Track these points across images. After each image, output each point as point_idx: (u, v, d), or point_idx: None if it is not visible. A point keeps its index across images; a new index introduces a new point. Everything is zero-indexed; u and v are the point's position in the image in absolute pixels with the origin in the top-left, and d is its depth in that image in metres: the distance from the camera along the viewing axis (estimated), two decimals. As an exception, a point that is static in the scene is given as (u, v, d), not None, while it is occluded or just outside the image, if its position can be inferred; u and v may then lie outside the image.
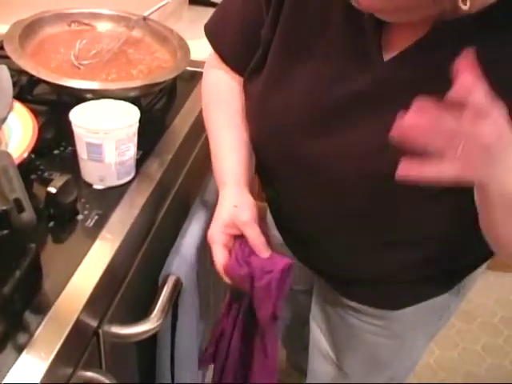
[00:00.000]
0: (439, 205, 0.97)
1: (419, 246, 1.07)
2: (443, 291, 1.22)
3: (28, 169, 1.12)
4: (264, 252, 1.03)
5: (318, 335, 1.45)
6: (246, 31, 1.13)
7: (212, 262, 1.08)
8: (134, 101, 1.22)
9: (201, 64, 1.54)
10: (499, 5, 0.82)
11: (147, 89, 1.34)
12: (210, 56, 1.26)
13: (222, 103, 1.21)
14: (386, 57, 0.93)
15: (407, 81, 0.92)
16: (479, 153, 0.73)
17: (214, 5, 2.06)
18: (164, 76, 1.37)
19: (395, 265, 1.12)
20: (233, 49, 1.17)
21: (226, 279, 1.05)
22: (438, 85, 0.80)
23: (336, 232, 1.09)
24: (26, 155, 1.06)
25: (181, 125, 1.40)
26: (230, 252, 1.06)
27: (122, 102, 1.17)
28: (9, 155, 1.01)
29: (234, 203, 1.07)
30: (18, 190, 0.93)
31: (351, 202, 1.02)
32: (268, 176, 1.18)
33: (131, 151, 1.13)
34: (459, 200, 0.91)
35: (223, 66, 1.20)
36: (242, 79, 1.17)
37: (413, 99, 0.79)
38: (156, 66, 1.45)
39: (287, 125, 1.04)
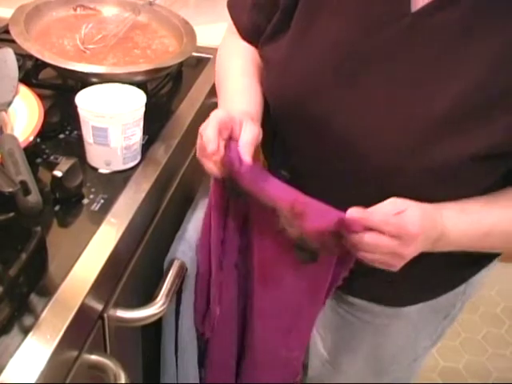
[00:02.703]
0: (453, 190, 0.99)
1: None
2: (448, 289, 1.22)
3: (34, 152, 1.12)
4: (246, 157, 0.97)
5: (314, 336, 1.46)
6: (265, 11, 1.12)
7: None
8: (139, 85, 1.22)
9: (207, 50, 1.57)
10: None
11: (153, 73, 1.34)
12: (228, 26, 1.27)
13: (236, 54, 1.21)
14: (413, 8, 0.93)
15: (434, 33, 0.92)
16: (396, 261, 0.92)
17: None
18: (170, 61, 1.36)
19: None
20: (250, 23, 1.18)
21: (209, 166, 0.99)
22: (464, 35, 0.89)
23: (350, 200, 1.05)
24: (31, 139, 1.06)
25: (187, 110, 1.39)
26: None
27: (128, 86, 1.17)
28: (14, 138, 1.02)
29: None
30: (23, 173, 0.94)
31: (375, 163, 1.00)
32: (286, 140, 1.14)
33: (137, 136, 1.13)
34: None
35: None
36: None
37: (439, 51, 0.91)
38: (162, 51, 1.45)
39: (314, 81, 1.02)
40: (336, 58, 1.00)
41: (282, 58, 1.06)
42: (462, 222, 0.97)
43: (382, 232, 0.87)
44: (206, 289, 1.18)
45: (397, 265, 0.92)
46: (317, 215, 0.92)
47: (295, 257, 1.00)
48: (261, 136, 1.03)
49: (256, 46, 1.17)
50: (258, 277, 1.11)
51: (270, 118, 1.12)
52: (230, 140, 0.98)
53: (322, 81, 1.01)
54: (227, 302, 1.18)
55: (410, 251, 0.90)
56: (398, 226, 0.87)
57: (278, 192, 0.95)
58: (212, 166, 0.98)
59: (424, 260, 1.02)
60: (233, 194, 1.02)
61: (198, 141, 0.99)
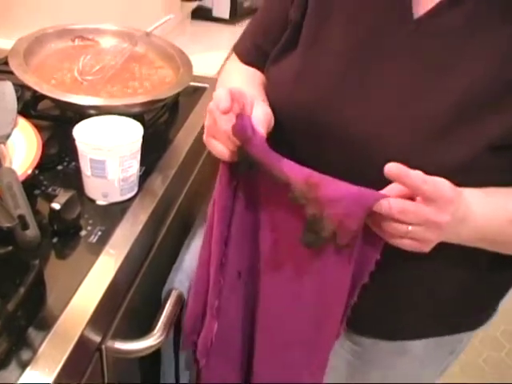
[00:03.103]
0: None
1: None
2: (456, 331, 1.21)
3: (32, 184, 1.12)
4: (261, 129, 0.94)
5: None
6: (270, 35, 1.15)
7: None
8: (137, 116, 1.23)
9: (203, 79, 1.58)
10: None
11: (150, 105, 1.35)
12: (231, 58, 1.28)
13: (238, 72, 1.21)
14: (416, 15, 0.96)
15: (438, 36, 0.95)
16: (431, 233, 0.86)
17: (216, 19, 2.12)
18: (167, 92, 1.38)
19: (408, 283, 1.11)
20: (253, 47, 1.21)
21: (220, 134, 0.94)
22: (468, 35, 0.93)
23: None
24: (30, 172, 1.07)
25: (184, 140, 1.40)
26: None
27: (125, 118, 1.18)
28: (13, 172, 1.03)
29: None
30: (22, 207, 0.95)
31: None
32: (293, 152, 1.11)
33: (134, 168, 1.14)
34: None
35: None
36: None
37: (445, 52, 0.94)
38: (159, 82, 1.46)
39: (326, 93, 1.03)
40: (344, 67, 1.02)
41: (293, 74, 1.07)
42: (487, 204, 0.94)
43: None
44: (202, 299, 1.11)
45: (432, 239, 0.88)
46: (334, 186, 0.88)
47: (301, 239, 0.93)
48: (272, 121, 1.01)
49: (258, 69, 1.18)
50: (269, 278, 1.04)
51: (276, 139, 1.11)
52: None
53: (334, 91, 1.03)
54: (227, 316, 1.10)
55: (447, 220, 0.85)
56: (434, 186, 0.83)
57: (292, 167, 0.90)
58: (221, 147, 0.94)
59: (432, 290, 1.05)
60: (244, 166, 0.95)
61: (206, 122, 0.96)
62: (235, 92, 0.93)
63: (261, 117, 0.95)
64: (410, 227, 0.84)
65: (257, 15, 1.24)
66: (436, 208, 0.83)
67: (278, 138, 1.05)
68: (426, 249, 0.88)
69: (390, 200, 0.84)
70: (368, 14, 1.01)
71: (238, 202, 1.01)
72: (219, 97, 0.91)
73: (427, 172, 0.86)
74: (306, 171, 0.89)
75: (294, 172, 0.89)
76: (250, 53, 1.21)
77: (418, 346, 1.19)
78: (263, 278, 1.04)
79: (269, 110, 0.99)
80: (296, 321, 1.04)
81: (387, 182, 0.88)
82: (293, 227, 0.94)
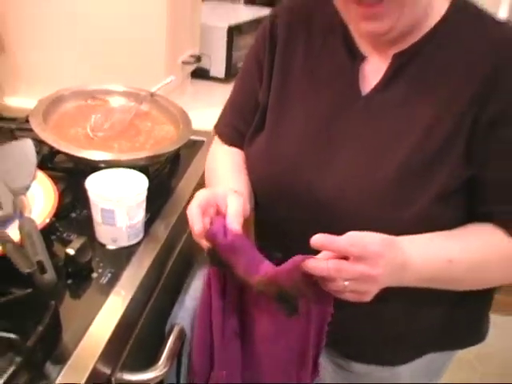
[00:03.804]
0: None
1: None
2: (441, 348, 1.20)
3: (49, 231, 1.13)
4: (235, 226, 0.95)
5: None
6: (244, 116, 1.20)
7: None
8: (142, 168, 1.25)
9: (202, 133, 1.60)
10: (435, 32, 0.99)
11: (154, 159, 1.37)
12: (214, 141, 1.31)
13: (223, 154, 1.24)
14: (363, 92, 1.03)
15: (382, 108, 1.02)
16: (367, 285, 0.88)
17: (212, 79, 2.14)
18: (169, 147, 1.39)
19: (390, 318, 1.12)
20: (232, 129, 1.25)
21: (203, 243, 0.99)
22: (404, 107, 0.99)
23: None
24: (47, 221, 1.09)
25: (184, 188, 1.41)
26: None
27: (132, 171, 1.20)
28: (32, 221, 1.05)
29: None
30: (40, 253, 0.97)
31: (355, 218, 1.02)
32: (270, 217, 1.17)
33: (140, 215, 1.15)
34: None
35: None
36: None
37: (389, 121, 1.00)
38: (162, 137, 1.48)
39: (293, 162, 1.07)
40: (306, 141, 1.06)
41: (262, 152, 1.12)
42: (427, 248, 0.96)
43: (346, 258, 0.86)
44: (207, 354, 1.11)
45: (370, 290, 0.89)
46: (286, 268, 0.90)
47: (281, 312, 0.96)
48: (248, 210, 1.04)
49: (240, 148, 1.22)
50: (256, 338, 1.08)
51: (259, 204, 1.15)
52: (217, 216, 0.98)
53: (298, 163, 1.07)
54: (232, 364, 1.11)
55: (379, 272, 0.86)
56: (362, 246, 0.85)
57: (251, 266, 0.94)
58: (204, 243, 0.98)
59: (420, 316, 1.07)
60: (214, 264, 1.01)
61: (189, 223, 0.99)
62: (205, 200, 0.98)
63: (235, 210, 0.97)
64: (346, 283, 0.86)
65: (232, 96, 1.27)
66: (367, 264, 0.85)
67: (260, 203, 1.13)
68: (367, 298, 0.90)
69: (328, 262, 0.86)
70: (324, 95, 1.06)
71: (228, 280, 1.05)
72: (191, 221, 0.97)
73: (384, 225, 0.92)
74: (263, 268, 0.92)
75: (252, 272, 0.93)
76: (229, 135, 1.25)
77: (405, 369, 1.19)
78: (253, 337, 1.08)
79: (241, 200, 1.00)
80: (276, 371, 1.07)
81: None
82: (266, 303, 0.99)
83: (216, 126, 1.30)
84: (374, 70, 1.04)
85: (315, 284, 0.89)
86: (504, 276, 1.04)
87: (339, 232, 0.91)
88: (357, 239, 0.86)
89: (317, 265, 0.86)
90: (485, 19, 1.00)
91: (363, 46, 1.05)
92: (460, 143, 0.96)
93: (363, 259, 0.85)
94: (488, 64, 0.94)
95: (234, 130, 1.24)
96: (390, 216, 0.98)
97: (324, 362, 1.22)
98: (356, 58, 1.05)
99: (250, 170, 1.16)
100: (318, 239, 0.86)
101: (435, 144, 0.97)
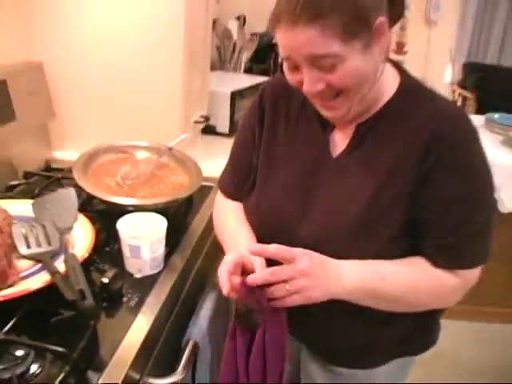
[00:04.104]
0: None
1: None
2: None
3: (88, 263, 1.14)
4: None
5: None
6: (242, 174, 1.23)
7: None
8: (162, 211, 1.28)
9: (211, 179, 1.60)
10: (393, 104, 1.02)
11: (172, 203, 1.40)
12: (218, 194, 1.32)
13: (227, 211, 1.25)
14: (334, 154, 1.08)
15: (350, 167, 1.05)
16: (304, 281, 0.93)
17: (219, 134, 2.17)
18: (184, 193, 1.43)
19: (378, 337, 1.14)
20: (233, 186, 1.27)
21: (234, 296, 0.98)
22: (368, 168, 1.03)
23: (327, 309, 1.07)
24: (86, 255, 1.12)
25: (197, 226, 1.44)
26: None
27: (154, 214, 1.23)
28: (75, 256, 1.09)
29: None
30: (81, 283, 1.01)
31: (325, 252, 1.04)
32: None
33: (161, 250, 1.19)
34: None
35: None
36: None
37: (355, 177, 1.03)
38: (178, 184, 1.51)
39: (279, 215, 1.11)
40: (289, 196, 1.10)
41: (254, 206, 1.17)
42: (361, 267, 1.00)
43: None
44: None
45: (310, 285, 0.93)
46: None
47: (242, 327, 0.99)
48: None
49: (239, 201, 1.25)
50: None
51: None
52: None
53: (282, 213, 1.11)
54: None
55: (308, 265, 0.93)
56: (287, 249, 0.93)
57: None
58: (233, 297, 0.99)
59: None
60: (242, 324, 1.01)
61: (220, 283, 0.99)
62: (232, 263, 0.99)
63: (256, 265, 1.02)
64: (286, 286, 0.92)
65: (231, 157, 1.29)
66: (296, 262, 0.93)
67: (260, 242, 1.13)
68: (314, 296, 0.94)
69: (262, 272, 0.95)
70: (302, 158, 1.11)
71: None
72: (222, 282, 0.97)
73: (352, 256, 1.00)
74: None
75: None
76: (230, 191, 1.27)
77: (381, 370, 1.20)
78: None
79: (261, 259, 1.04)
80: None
81: None
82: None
83: (219, 183, 1.31)
84: (341, 138, 1.08)
85: (262, 295, 0.93)
86: (433, 301, 1.07)
87: None
88: (283, 247, 0.94)
89: (254, 277, 0.94)
90: (423, 96, 1.03)
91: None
92: (405, 196, 1.00)
93: (292, 261, 0.93)
94: (427, 132, 0.97)
95: (234, 186, 1.26)
96: (354, 255, 1.01)
97: (314, 366, 1.25)
98: (326, 128, 1.09)
99: (248, 221, 1.20)
100: (253, 248, 0.98)
101: (387, 197, 1.01)
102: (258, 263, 1.02)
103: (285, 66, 0.99)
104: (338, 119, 1.06)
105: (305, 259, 0.94)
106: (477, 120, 3.12)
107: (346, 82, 0.94)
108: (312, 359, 1.25)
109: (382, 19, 0.92)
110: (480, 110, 5.00)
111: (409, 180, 1.00)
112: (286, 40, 0.93)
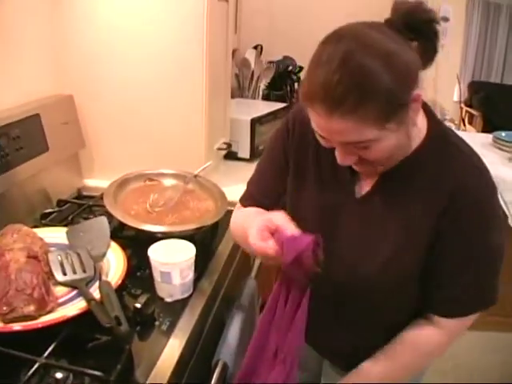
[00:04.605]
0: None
1: None
2: None
3: (121, 288, 1.15)
4: (292, 230, 0.94)
5: None
6: (265, 192, 1.21)
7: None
8: (190, 237, 1.29)
9: (234, 204, 1.56)
10: (413, 159, 0.99)
11: (199, 230, 1.40)
12: (236, 207, 1.29)
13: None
14: (359, 195, 1.06)
15: (373, 208, 1.04)
16: None
17: (241, 159, 2.18)
18: (210, 220, 1.44)
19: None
20: (254, 203, 1.23)
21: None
22: (391, 212, 1.01)
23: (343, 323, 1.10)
24: (120, 282, 1.13)
25: (223, 251, 1.44)
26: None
27: (182, 241, 1.24)
28: (109, 283, 1.09)
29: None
30: (116, 310, 1.01)
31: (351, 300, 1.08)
32: None
33: (190, 275, 1.19)
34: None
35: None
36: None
37: (378, 219, 1.01)
38: (205, 210, 1.52)
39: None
40: (315, 227, 1.05)
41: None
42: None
43: None
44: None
45: None
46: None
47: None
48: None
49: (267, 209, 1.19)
50: None
51: None
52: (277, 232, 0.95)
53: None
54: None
55: None
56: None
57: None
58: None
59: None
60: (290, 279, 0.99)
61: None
62: (261, 228, 0.95)
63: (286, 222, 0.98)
64: None
65: (256, 175, 1.25)
66: None
67: None
68: None
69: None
70: (329, 194, 1.09)
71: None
72: (260, 250, 0.95)
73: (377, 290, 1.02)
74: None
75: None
76: (249, 201, 1.24)
77: None
78: None
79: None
80: None
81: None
82: None
83: (241, 199, 1.28)
84: (366, 182, 1.05)
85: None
86: (425, 363, 1.15)
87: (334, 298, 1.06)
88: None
89: None
90: (450, 146, 0.99)
91: None
92: (424, 243, 1.00)
93: None
94: (452, 184, 0.96)
95: (255, 201, 1.22)
96: (379, 290, 1.05)
97: (330, 373, 1.26)
98: (354, 172, 1.05)
99: None
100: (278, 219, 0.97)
101: (408, 241, 1.01)
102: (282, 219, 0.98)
103: (317, 135, 0.96)
104: (365, 174, 1.05)
105: None
106: (485, 138, 3.12)
107: (379, 157, 0.93)
108: (333, 370, 1.26)
109: (416, 93, 0.87)
110: (486, 127, 4.98)
111: (428, 228, 0.99)
112: (319, 123, 0.89)
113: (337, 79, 0.81)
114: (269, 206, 1.17)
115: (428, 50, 0.91)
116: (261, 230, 0.96)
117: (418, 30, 0.89)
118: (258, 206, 1.20)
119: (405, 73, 0.84)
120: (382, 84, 0.81)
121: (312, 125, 0.93)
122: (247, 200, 1.25)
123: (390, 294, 1.06)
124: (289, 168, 1.16)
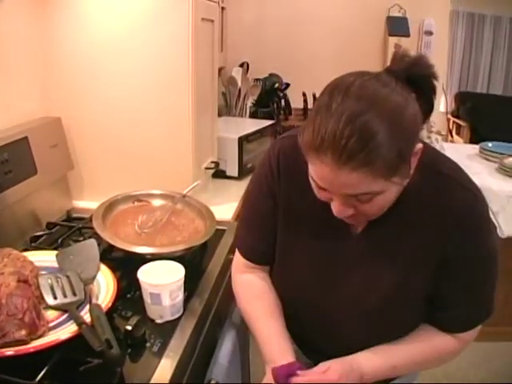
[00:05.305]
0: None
1: None
2: None
3: (111, 310, 1.14)
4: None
5: None
6: (263, 236, 1.19)
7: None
8: (179, 257, 1.30)
9: (223, 223, 1.63)
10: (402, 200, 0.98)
11: (188, 250, 1.40)
12: (235, 261, 1.26)
13: (257, 298, 1.20)
14: (355, 233, 1.07)
15: (369, 245, 1.05)
16: None
17: (229, 177, 2.20)
18: (199, 240, 1.44)
19: None
20: (258, 255, 1.22)
21: None
22: (383, 248, 1.02)
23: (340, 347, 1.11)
24: (110, 304, 1.12)
25: (213, 268, 1.44)
26: None
27: (172, 262, 1.24)
28: (99, 306, 1.09)
29: None
30: (107, 333, 1.01)
31: (350, 332, 1.10)
32: (293, 318, 1.18)
33: (180, 296, 1.20)
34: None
35: (250, 269, 1.23)
36: (267, 276, 1.21)
37: (375, 256, 1.02)
38: (193, 231, 1.52)
39: (301, 288, 1.12)
40: (315, 270, 1.11)
41: (278, 278, 1.19)
42: (374, 361, 1.05)
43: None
44: None
45: None
46: None
47: None
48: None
49: (265, 264, 1.22)
50: None
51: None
52: None
53: (307, 287, 1.12)
54: None
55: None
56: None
57: None
58: None
59: None
60: None
61: None
62: None
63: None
64: None
65: (247, 219, 1.22)
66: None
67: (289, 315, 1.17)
68: None
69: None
70: (324, 236, 1.09)
71: None
72: None
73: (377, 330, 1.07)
74: None
75: None
76: (256, 257, 1.22)
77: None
78: None
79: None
80: None
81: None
82: None
83: (239, 246, 1.25)
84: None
85: None
86: (436, 365, 1.14)
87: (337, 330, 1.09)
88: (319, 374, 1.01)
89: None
90: (444, 177, 0.99)
91: None
92: (426, 276, 1.03)
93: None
94: (450, 217, 0.97)
95: (258, 252, 1.21)
96: (380, 326, 1.08)
97: None
98: None
99: (275, 289, 1.21)
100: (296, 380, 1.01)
101: (410, 278, 1.03)
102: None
103: (313, 185, 0.95)
104: (356, 225, 1.06)
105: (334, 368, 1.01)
106: (471, 149, 3.16)
107: (377, 211, 0.95)
108: None
109: (418, 146, 0.89)
110: (474, 137, 5.03)
111: (432, 256, 1.01)
112: (323, 174, 0.87)
113: (347, 134, 0.81)
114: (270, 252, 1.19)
115: (424, 104, 0.93)
116: None
117: (418, 84, 0.91)
118: (260, 255, 1.21)
119: (411, 128, 0.86)
120: (392, 142, 0.82)
121: (311, 176, 0.93)
122: (249, 252, 1.23)
123: (394, 323, 1.08)
124: (278, 209, 1.14)
